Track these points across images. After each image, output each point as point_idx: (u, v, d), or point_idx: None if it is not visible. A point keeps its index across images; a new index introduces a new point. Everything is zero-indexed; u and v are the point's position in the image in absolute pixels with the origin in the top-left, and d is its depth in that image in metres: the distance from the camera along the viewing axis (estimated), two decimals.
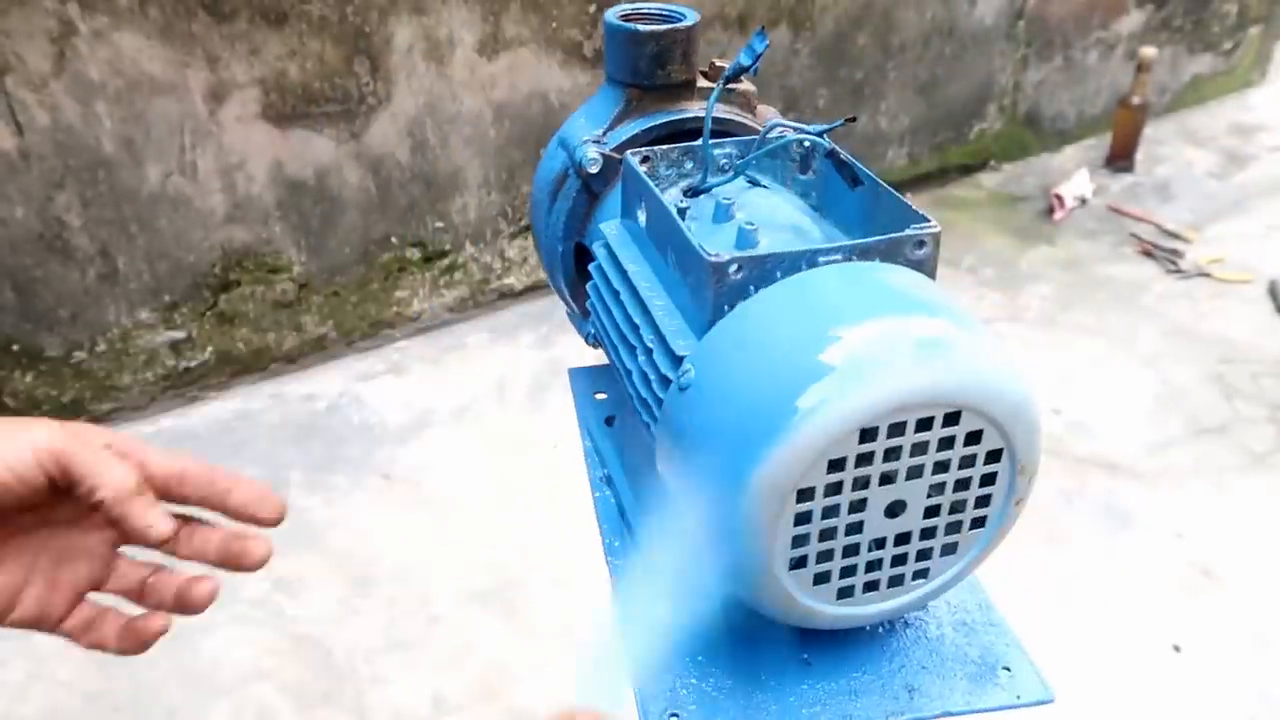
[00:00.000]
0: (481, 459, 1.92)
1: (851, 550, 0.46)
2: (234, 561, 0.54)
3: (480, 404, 2.12)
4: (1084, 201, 3.04)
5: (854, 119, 0.62)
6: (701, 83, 0.66)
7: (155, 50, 1.80)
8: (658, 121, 0.65)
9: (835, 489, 0.43)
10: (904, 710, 0.51)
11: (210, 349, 2.12)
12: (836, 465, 0.42)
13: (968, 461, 0.45)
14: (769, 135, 0.57)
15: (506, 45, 2.17)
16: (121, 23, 1.75)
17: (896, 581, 0.49)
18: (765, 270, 0.46)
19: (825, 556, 0.45)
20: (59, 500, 0.49)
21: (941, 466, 0.45)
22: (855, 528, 0.45)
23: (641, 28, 0.62)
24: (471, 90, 2.18)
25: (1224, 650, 1.54)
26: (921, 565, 0.49)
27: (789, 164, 0.60)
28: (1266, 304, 2.50)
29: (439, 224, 2.29)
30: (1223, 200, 3.05)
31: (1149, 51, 3.07)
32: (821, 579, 0.46)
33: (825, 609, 0.48)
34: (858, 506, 0.44)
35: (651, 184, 0.54)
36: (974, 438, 0.44)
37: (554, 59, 2.25)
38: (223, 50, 1.86)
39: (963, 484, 0.46)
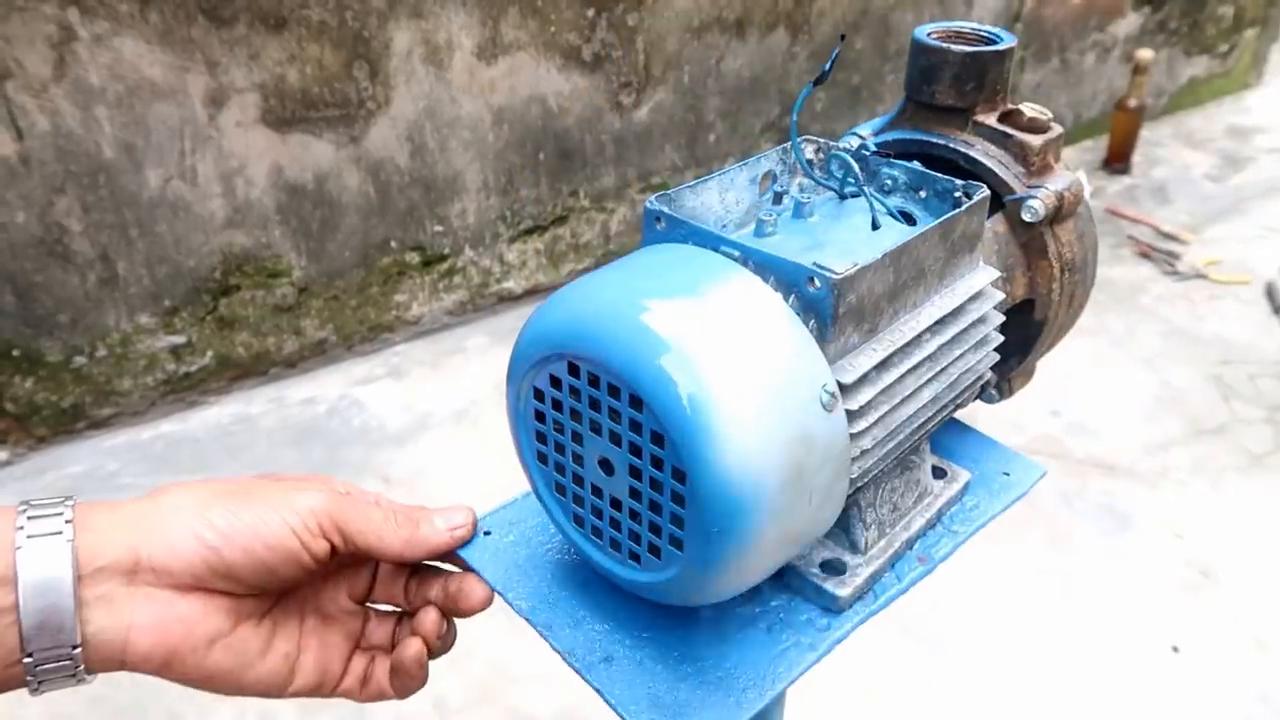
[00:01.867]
0: (480, 462, 1.92)
1: (579, 481, 0.48)
2: (454, 603, 0.55)
3: (479, 407, 2.12)
4: None
5: (843, 36, 0.64)
6: (986, 118, 0.60)
7: (155, 55, 1.81)
8: (902, 137, 0.62)
9: (556, 406, 0.47)
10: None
11: (210, 353, 2.12)
12: (555, 384, 0.46)
13: (636, 449, 0.44)
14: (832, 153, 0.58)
15: (505, 49, 2.18)
16: (121, 28, 1.76)
17: (616, 546, 0.48)
18: (683, 236, 0.50)
19: (559, 469, 0.49)
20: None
21: (617, 439, 0.45)
22: (578, 459, 0.48)
23: (923, 38, 0.60)
24: (470, 94, 2.18)
25: (1222, 651, 1.55)
26: (635, 547, 0.47)
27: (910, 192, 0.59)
28: (1263, 305, 2.51)
29: (438, 228, 2.30)
30: (1220, 202, 3.06)
31: (1146, 54, 3.08)
32: (560, 491, 0.50)
33: (574, 536, 0.51)
34: (577, 438, 0.47)
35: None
36: (637, 427, 0.43)
37: (553, 63, 2.26)
38: (222, 55, 1.87)
39: (637, 473, 0.44)
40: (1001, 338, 0.56)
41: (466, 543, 0.55)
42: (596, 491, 0.47)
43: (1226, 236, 2.83)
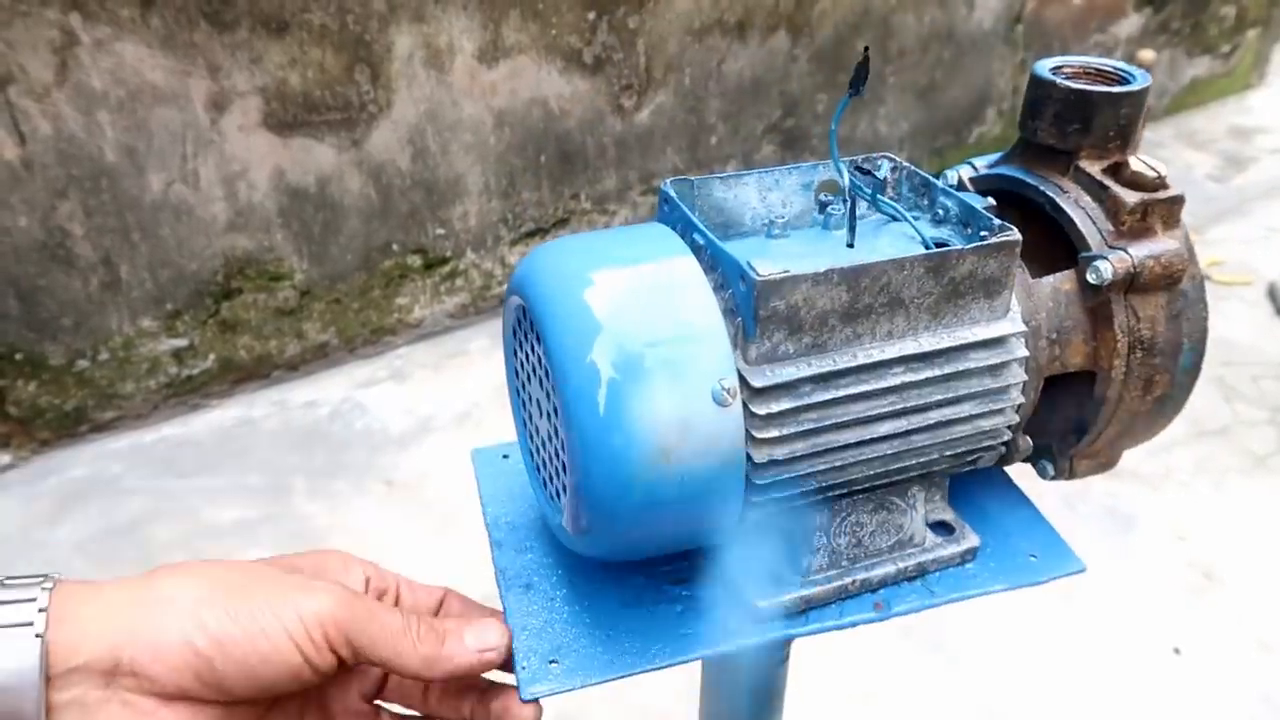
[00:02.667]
0: None
1: (530, 418, 0.52)
2: None
3: (482, 410, 2.12)
4: None
5: (866, 49, 0.54)
6: (1090, 165, 0.54)
7: (157, 59, 1.81)
8: (1003, 173, 0.58)
9: (520, 345, 0.51)
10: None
11: (212, 356, 2.12)
12: (519, 323, 0.50)
13: (547, 377, 0.47)
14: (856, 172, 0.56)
15: (506, 52, 2.18)
16: (123, 32, 1.76)
17: (544, 485, 0.52)
18: (679, 224, 0.51)
19: (524, 405, 0.53)
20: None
21: (540, 382, 0.48)
22: (530, 397, 0.51)
23: (1039, 69, 0.56)
24: (472, 97, 2.19)
25: (1225, 653, 1.55)
26: (551, 488, 0.51)
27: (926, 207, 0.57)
28: (1266, 306, 2.50)
29: (440, 231, 2.30)
30: (1222, 203, 3.06)
31: (1147, 54, 3.07)
32: (525, 425, 0.54)
33: (530, 470, 0.54)
34: (529, 377, 0.51)
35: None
36: (547, 373, 0.46)
37: (554, 66, 2.26)
38: (224, 59, 1.87)
39: (549, 417, 0.48)
40: (1021, 399, 0.51)
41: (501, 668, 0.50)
42: (538, 430, 0.51)
43: (1229, 237, 2.83)
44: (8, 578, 0.40)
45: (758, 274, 0.44)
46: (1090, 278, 0.51)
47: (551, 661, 0.50)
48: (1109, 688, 1.49)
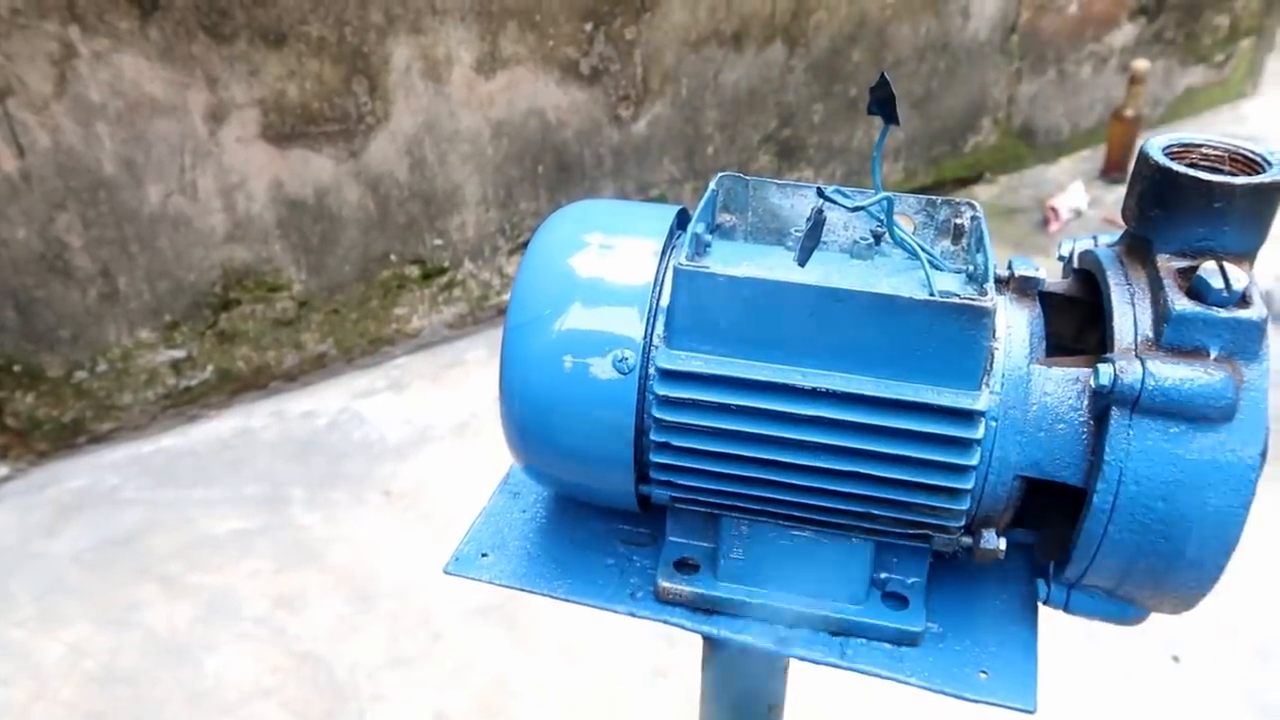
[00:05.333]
0: (481, 474, 1.92)
1: None
2: None
3: (479, 419, 2.12)
4: (1079, 213, 3.06)
5: (883, 74, 0.49)
6: (1167, 262, 0.44)
7: (156, 72, 1.82)
8: (1098, 253, 0.50)
9: None
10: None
11: (211, 367, 2.13)
12: None
13: None
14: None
15: (504, 64, 2.19)
16: (122, 45, 1.77)
17: None
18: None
19: None
20: None
21: None
22: None
23: (1151, 148, 0.47)
24: (469, 108, 2.19)
25: (1223, 661, 1.55)
26: None
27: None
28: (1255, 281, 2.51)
29: (438, 241, 2.31)
30: None
31: (1142, 64, 3.09)
32: None
33: None
34: None
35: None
36: None
37: (551, 77, 2.27)
38: (222, 71, 1.88)
39: None
40: (970, 483, 0.46)
41: None
42: None
43: None
44: None
45: (680, 263, 0.47)
46: (1093, 379, 0.44)
47: (483, 555, 0.58)
48: (1108, 696, 1.49)
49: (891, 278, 0.49)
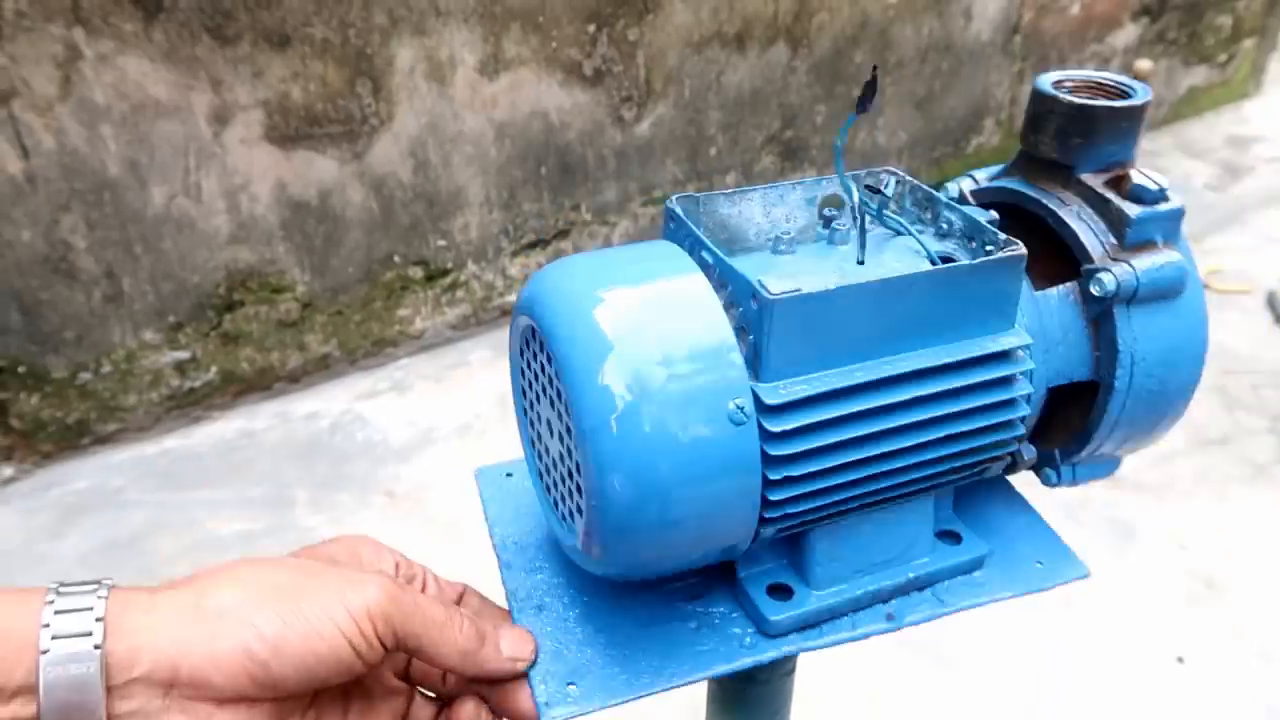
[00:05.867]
0: None
1: (539, 438, 0.52)
2: (500, 703, 0.51)
3: (483, 421, 2.13)
4: None
5: (875, 68, 0.54)
6: (1092, 179, 0.54)
7: (160, 74, 1.82)
8: (1004, 186, 0.58)
9: (528, 364, 0.51)
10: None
11: (214, 369, 2.13)
12: (526, 343, 0.50)
13: (561, 414, 0.47)
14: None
15: (507, 65, 2.19)
16: (126, 47, 1.77)
17: (555, 505, 0.52)
18: (687, 241, 0.51)
19: (532, 425, 0.53)
20: None
21: (552, 403, 0.48)
22: (539, 417, 0.51)
23: (1041, 84, 0.56)
24: (473, 110, 2.20)
25: (1228, 662, 1.55)
26: (563, 508, 0.50)
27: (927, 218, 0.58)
28: (1265, 315, 2.51)
29: (441, 242, 2.31)
30: (1220, 212, 3.07)
31: (1144, 64, 3.09)
32: (533, 445, 0.53)
33: (538, 490, 0.54)
34: (538, 397, 0.50)
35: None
36: (560, 393, 0.46)
37: (554, 78, 2.27)
38: (226, 73, 1.88)
39: (562, 437, 0.48)
40: (1027, 410, 0.52)
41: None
42: (547, 450, 0.51)
43: (1227, 246, 2.84)
44: (64, 584, 0.41)
45: (769, 292, 0.44)
46: (1094, 290, 0.52)
47: (569, 684, 0.50)
48: (1113, 697, 1.49)
49: (899, 252, 0.53)
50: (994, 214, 0.53)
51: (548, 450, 0.51)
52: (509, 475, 0.63)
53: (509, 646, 0.49)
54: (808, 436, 0.46)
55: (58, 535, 1.83)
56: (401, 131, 2.13)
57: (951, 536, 0.57)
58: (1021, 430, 0.52)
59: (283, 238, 2.09)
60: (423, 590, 0.52)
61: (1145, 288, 0.52)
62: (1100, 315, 0.53)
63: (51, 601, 0.40)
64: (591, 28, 2.27)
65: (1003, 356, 0.50)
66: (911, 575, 0.55)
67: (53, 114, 1.75)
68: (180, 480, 1.98)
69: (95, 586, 0.41)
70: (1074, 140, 0.54)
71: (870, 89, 0.50)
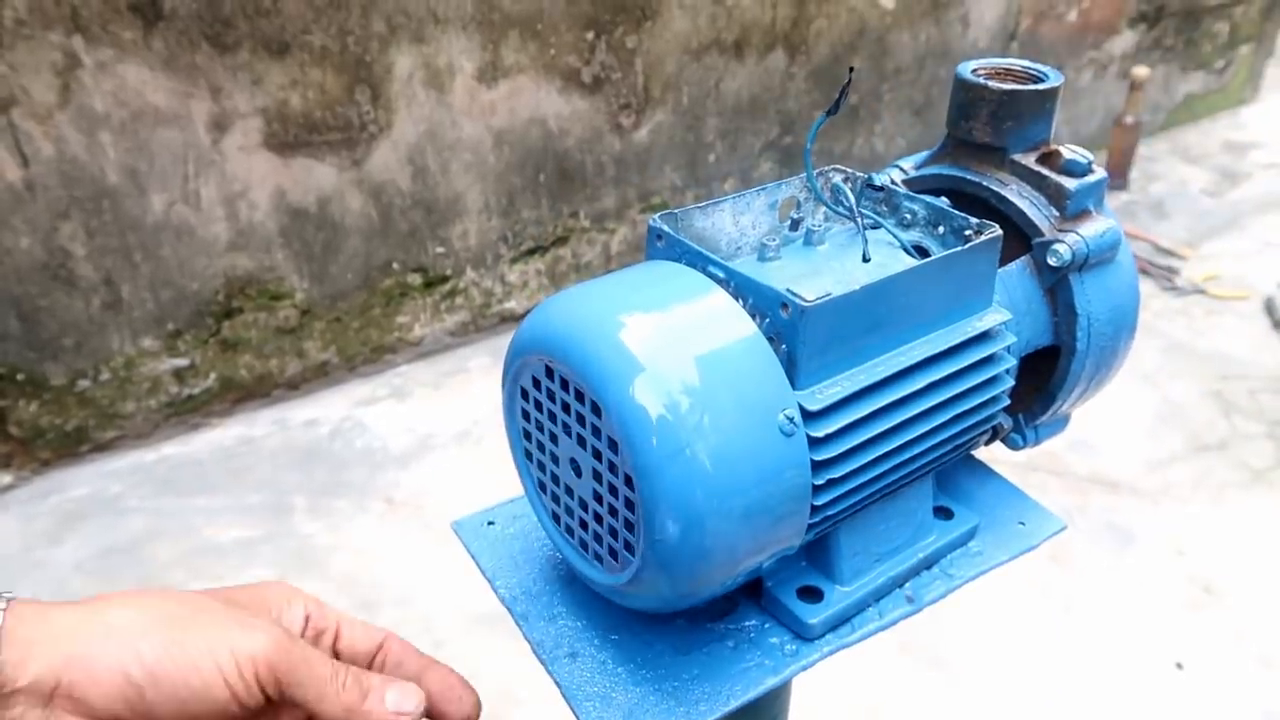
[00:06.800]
0: (483, 482, 1.93)
1: (556, 480, 0.51)
2: None
3: (481, 427, 2.13)
4: None
5: (852, 69, 0.58)
6: (1024, 158, 0.58)
7: (159, 81, 1.82)
8: (939, 172, 0.61)
9: (538, 406, 0.49)
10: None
11: (213, 376, 2.13)
12: (536, 384, 0.49)
13: (598, 453, 0.46)
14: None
15: (505, 72, 2.20)
16: (126, 55, 1.77)
17: (585, 546, 0.50)
18: (683, 259, 0.51)
19: (541, 467, 0.52)
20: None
21: (583, 442, 0.47)
22: (555, 459, 0.50)
23: (964, 73, 0.59)
24: (471, 117, 2.20)
25: (1226, 667, 1.55)
26: (599, 549, 0.49)
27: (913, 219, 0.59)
28: (1263, 320, 2.51)
29: (440, 249, 2.31)
30: (1217, 217, 3.08)
31: (1142, 71, 3.10)
32: (543, 489, 0.53)
33: (554, 533, 0.53)
34: (554, 438, 0.49)
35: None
36: (597, 431, 0.45)
37: (553, 85, 2.27)
38: (225, 80, 1.89)
39: (599, 476, 0.46)
40: (1011, 382, 0.55)
41: None
42: (569, 492, 0.50)
43: (1224, 251, 2.84)
44: None
45: (804, 300, 0.44)
46: (1050, 260, 0.56)
47: None
48: (1111, 703, 1.49)
49: (871, 245, 0.54)
50: (945, 200, 0.55)
51: (571, 491, 0.49)
52: (490, 523, 0.61)
53: (394, 699, 0.48)
54: (845, 436, 0.47)
55: (56, 542, 1.82)
56: (400, 139, 2.13)
57: (944, 513, 0.59)
58: (1006, 401, 0.55)
59: (282, 245, 2.10)
60: (335, 642, 0.52)
61: (1094, 253, 0.56)
62: (1056, 284, 0.57)
63: None
64: (590, 35, 2.27)
65: (989, 334, 0.53)
66: (921, 555, 0.56)
67: (52, 122, 1.75)
68: (179, 487, 1.98)
69: None
70: (1006, 124, 0.58)
71: (843, 93, 0.51)
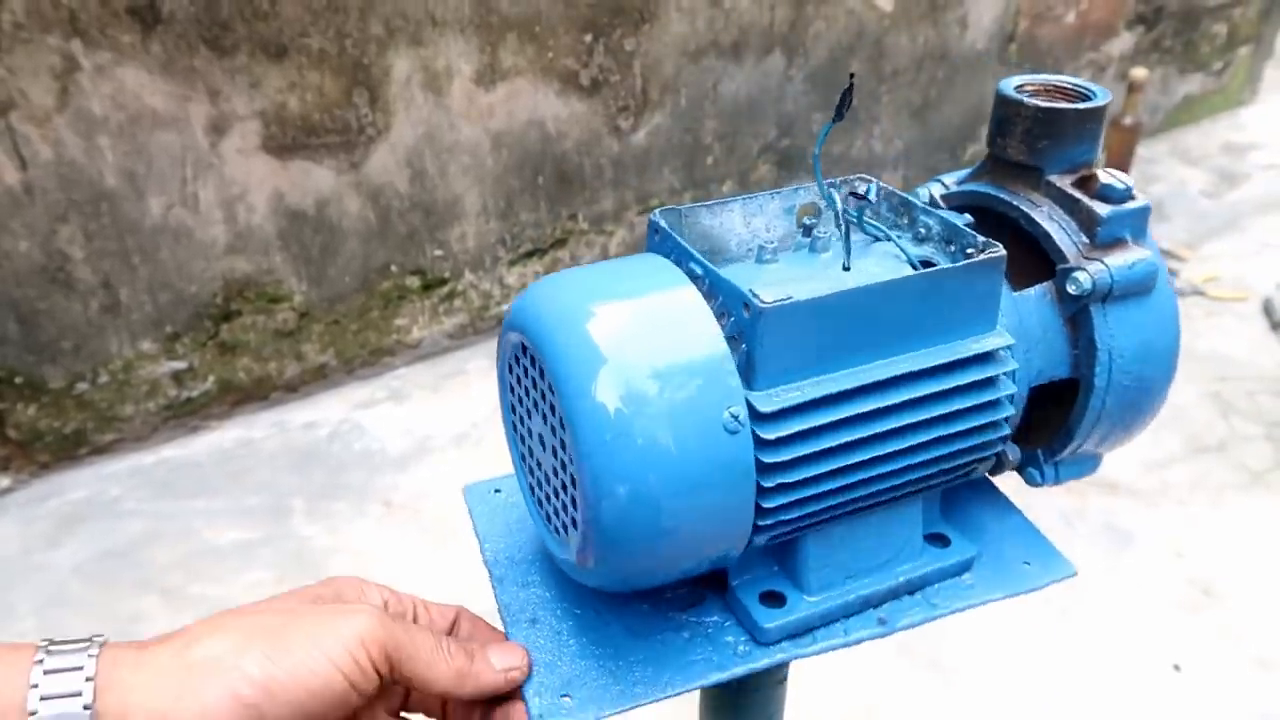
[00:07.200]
0: None
1: (530, 453, 0.52)
2: None
3: (480, 430, 2.13)
4: None
5: (852, 76, 0.56)
6: (1060, 180, 0.55)
7: (157, 84, 1.82)
8: (974, 189, 0.59)
9: (518, 380, 0.51)
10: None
11: (212, 378, 2.13)
12: (516, 359, 0.50)
13: (554, 429, 0.47)
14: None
15: (504, 75, 2.20)
16: (124, 58, 1.78)
17: (548, 519, 0.52)
18: (673, 254, 0.51)
19: (522, 440, 0.53)
20: None
21: (544, 417, 0.48)
22: (530, 432, 0.51)
23: (1004, 88, 0.56)
24: (469, 120, 2.20)
25: (1225, 670, 1.55)
26: (556, 522, 0.50)
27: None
28: (1262, 321, 2.52)
29: (438, 252, 2.31)
30: (1216, 219, 3.08)
31: (1140, 72, 3.10)
32: (524, 460, 0.54)
33: (530, 505, 0.54)
34: (529, 413, 0.50)
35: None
36: (553, 408, 0.46)
37: (551, 88, 2.28)
38: (224, 84, 1.89)
39: (555, 452, 0.48)
40: (1011, 410, 0.52)
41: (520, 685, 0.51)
42: (539, 465, 0.51)
43: (1223, 253, 2.84)
44: (53, 643, 0.40)
45: (761, 301, 0.44)
46: (1070, 289, 0.53)
47: (564, 695, 0.50)
48: (1109, 705, 1.49)
49: (880, 257, 0.53)
50: (968, 217, 0.53)
51: (540, 465, 0.51)
52: (497, 491, 0.64)
53: (500, 660, 0.49)
54: (801, 443, 0.47)
55: (55, 545, 1.82)
56: (398, 141, 2.13)
57: (940, 540, 0.57)
58: (1006, 430, 0.53)
59: (280, 247, 2.10)
60: (414, 621, 0.52)
61: (1120, 285, 0.52)
62: (1077, 314, 0.54)
63: (40, 661, 0.39)
64: (588, 37, 2.27)
65: (987, 357, 0.51)
66: (902, 579, 0.55)
67: (50, 125, 1.75)
68: (177, 490, 1.98)
69: (86, 644, 0.40)
70: (1041, 143, 0.55)
71: (847, 98, 0.50)
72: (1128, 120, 3.18)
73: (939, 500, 0.58)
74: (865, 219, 0.55)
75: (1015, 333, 0.53)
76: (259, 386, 2.20)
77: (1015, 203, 0.56)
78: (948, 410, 0.50)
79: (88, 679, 0.39)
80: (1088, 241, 0.53)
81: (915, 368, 0.49)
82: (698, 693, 0.64)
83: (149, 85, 1.82)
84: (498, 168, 2.29)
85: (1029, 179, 0.56)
